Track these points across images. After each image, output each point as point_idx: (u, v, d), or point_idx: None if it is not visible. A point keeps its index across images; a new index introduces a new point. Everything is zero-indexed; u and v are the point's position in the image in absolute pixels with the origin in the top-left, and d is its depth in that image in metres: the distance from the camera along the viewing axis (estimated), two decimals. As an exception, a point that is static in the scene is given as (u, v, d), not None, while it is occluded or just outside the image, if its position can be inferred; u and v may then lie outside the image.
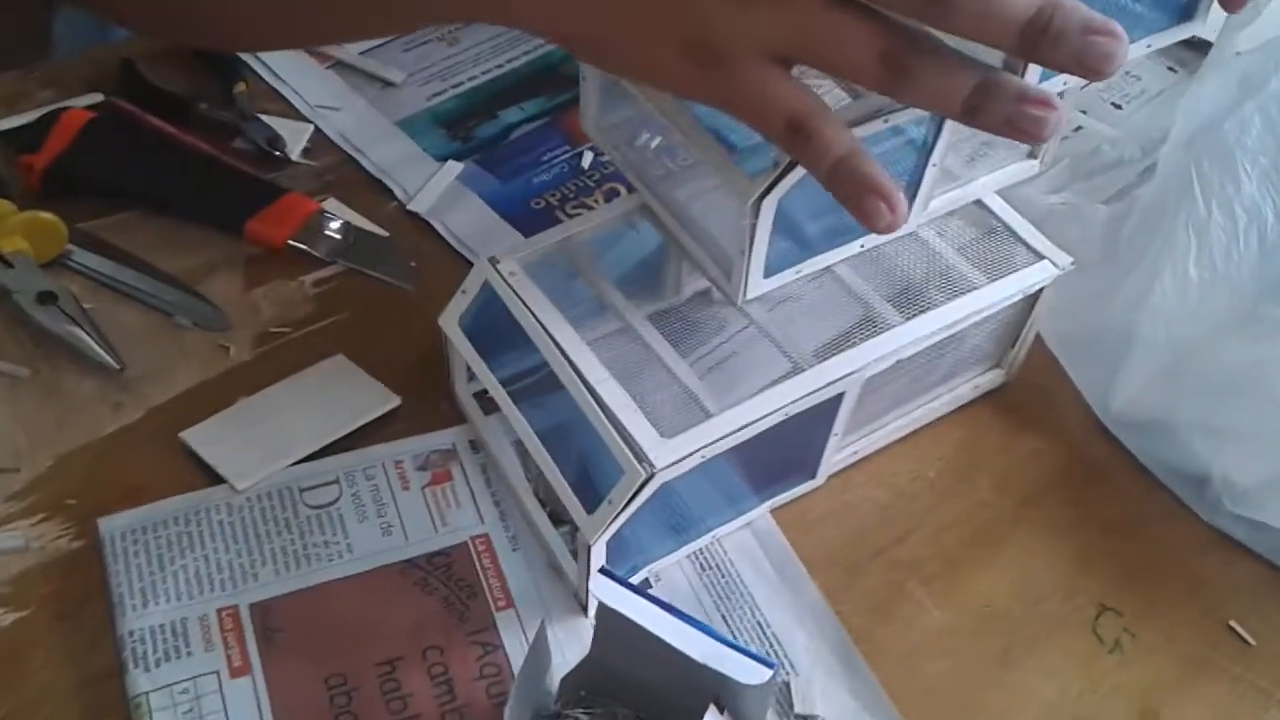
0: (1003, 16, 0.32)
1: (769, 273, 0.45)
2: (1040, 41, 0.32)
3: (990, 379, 0.56)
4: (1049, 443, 0.56)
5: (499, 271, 0.48)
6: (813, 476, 0.52)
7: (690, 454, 0.43)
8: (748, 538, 0.51)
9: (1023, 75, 0.36)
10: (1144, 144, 0.65)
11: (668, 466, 0.42)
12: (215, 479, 0.51)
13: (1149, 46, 0.44)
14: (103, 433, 0.53)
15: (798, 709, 0.45)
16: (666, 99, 0.44)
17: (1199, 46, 0.60)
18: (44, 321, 0.55)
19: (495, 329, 0.50)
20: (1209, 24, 0.45)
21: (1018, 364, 0.56)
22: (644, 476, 0.42)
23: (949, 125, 0.43)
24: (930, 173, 0.45)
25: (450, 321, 0.50)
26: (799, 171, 0.40)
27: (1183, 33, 0.45)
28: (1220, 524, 0.53)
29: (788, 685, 0.46)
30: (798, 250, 0.46)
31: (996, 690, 0.47)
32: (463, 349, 0.50)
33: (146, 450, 0.52)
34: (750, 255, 0.43)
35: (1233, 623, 0.50)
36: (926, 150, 0.44)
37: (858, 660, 0.47)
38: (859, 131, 0.40)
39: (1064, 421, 0.56)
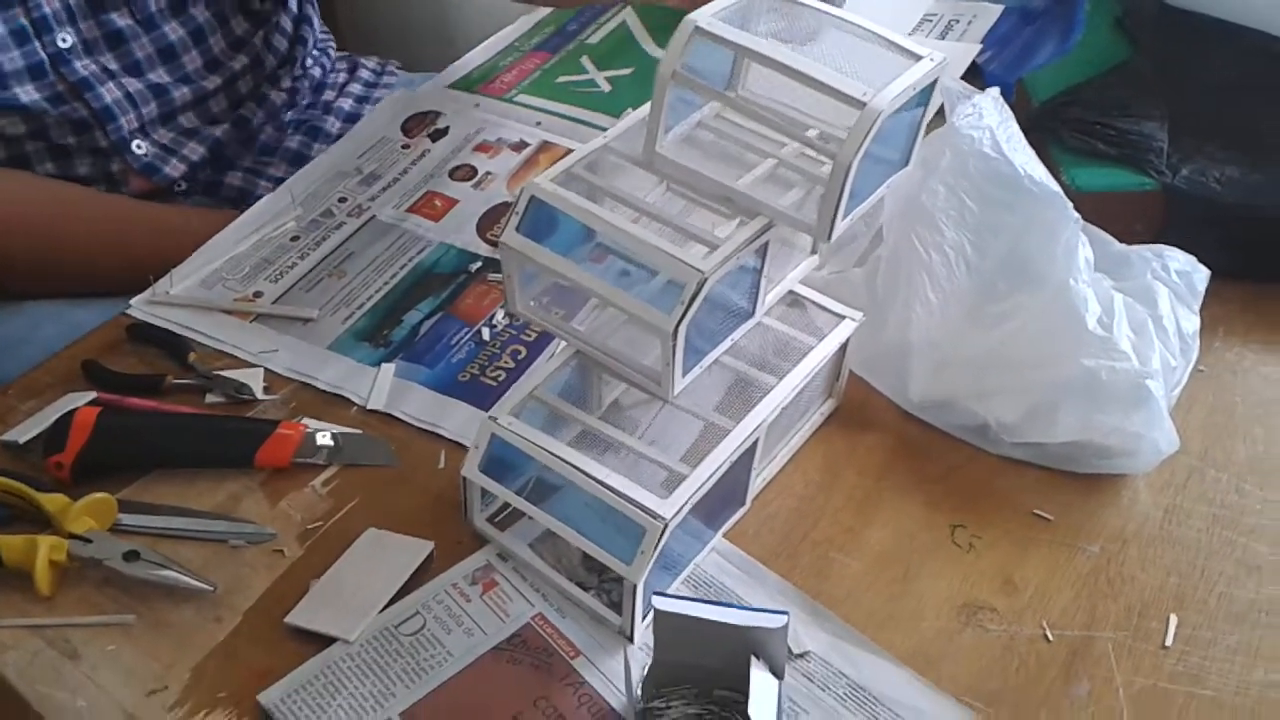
0: None
1: (685, 372, 0.67)
2: None
3: (828, 406, 0.80)
4: (880, 435, 0.79)
5: (500, 424, 0.67)
6: (744, 504, 0.73)
7: (685, 504, 0.63)
8: (716, 558, 0.71)
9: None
10: (868, 220, 0.91)
11: (674, 516, 0.63)
12: (326, 642, 0.66)
13: (888, 187, 0.69)
14: (218, 640, 0.67)
15: (794, 650, 0.66)
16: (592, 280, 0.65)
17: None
18: (137, 574, 0.69)
19: (500, 466, 0.68)
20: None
21: (843, 391, 0.80)
22: (662, 527, 0.62)
23: (769, 254, 0.67)
24: (763, 284, 0.68)
25: (471, 469, 0.68)
26: (696, 303, 0.62)
27: (904, 173, 0.70)
28: (1005, 452, 0.78)
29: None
30: (699, 353, 0.68)
31: (909, 598, 0.70)
32: (487, 485, 0.68)
33: (260, 643, 0.67)
34: (674, 364, 0.65)
35: (1036, 510, 0.75)
36: (757, 271, 0.67)
37: (818, 607, 0.68)
38: (722, 270, 0.62)
39: (884, 418, 0.80)
